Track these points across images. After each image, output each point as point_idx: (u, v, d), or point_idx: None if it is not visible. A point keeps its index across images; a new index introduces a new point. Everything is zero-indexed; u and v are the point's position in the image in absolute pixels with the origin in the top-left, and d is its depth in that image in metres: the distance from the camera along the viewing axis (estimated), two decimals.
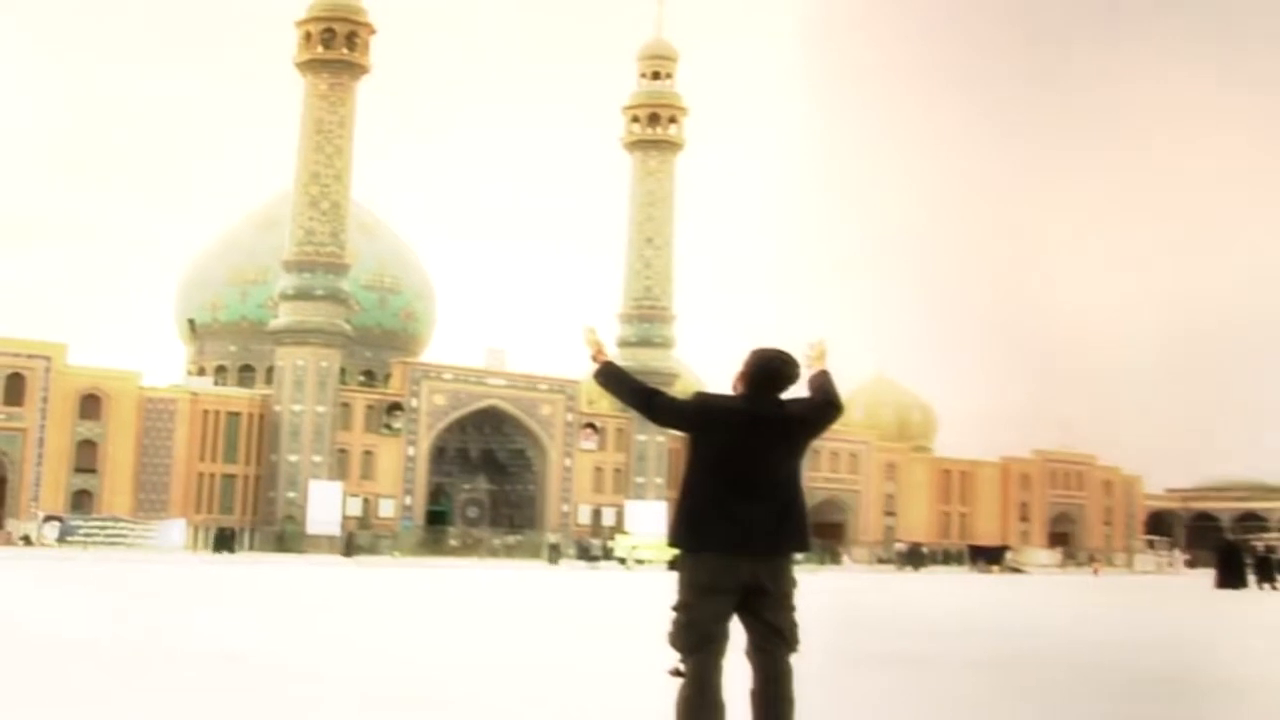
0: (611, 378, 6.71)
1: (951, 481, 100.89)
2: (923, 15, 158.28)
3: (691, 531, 6.29)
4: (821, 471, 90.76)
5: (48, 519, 63.43)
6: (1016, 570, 77.13)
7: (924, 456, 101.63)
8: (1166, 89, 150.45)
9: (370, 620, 18.54)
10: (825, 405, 6.58)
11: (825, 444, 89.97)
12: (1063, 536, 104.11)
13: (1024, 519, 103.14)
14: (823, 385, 6.62)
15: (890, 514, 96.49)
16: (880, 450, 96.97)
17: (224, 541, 64.47)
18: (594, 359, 6.78)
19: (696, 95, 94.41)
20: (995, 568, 77.24)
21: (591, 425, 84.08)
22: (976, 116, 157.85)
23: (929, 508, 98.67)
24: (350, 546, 65.40)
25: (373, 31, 77.92)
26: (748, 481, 6.25)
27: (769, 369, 6.41)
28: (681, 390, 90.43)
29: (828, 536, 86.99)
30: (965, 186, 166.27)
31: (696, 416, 6.42)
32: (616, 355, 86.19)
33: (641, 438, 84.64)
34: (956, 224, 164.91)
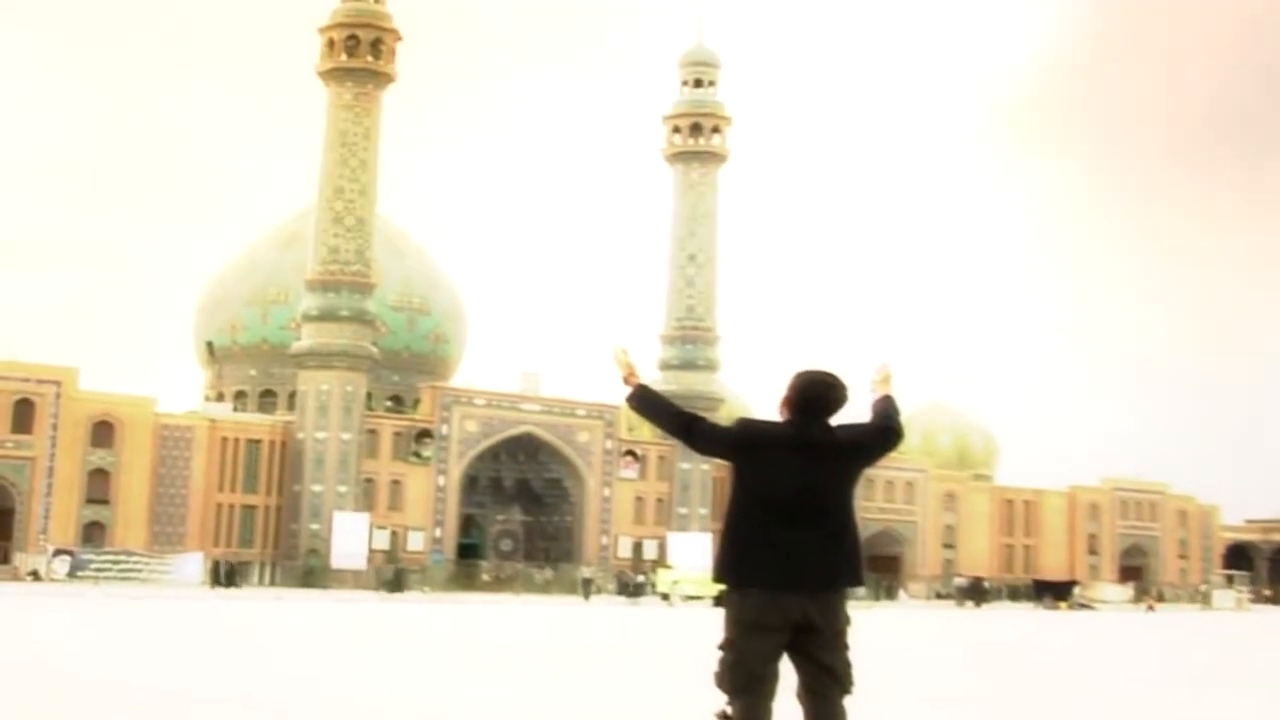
0: (646, 402, 6.64)
1: (1015, 512, 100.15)
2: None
3: (736, 565, 6.21)
4: (876, 501, 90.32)
5: (57, 553, 63.72)
6: (1085, 607, 76.43)
7: (985, 485, 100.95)
8: None
9: (405, 661, 18.50)
10: (883, 431, 6.51)
11: (880, 472, 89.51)
12: (1135, 570, 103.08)
13: (1093, 552, 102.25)
14: (884, 410, 6.56)
15: (949, 546, 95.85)
16: (938, 479, 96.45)
17: (228, 577, 64.23)
18: (626, 381, 6.70)
19: (740, 104, 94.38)
20: (1062, 604, 76.56)
21: (632, 453, 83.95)
22: (1020, 132, 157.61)
23: (991, 540, 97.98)
24: (394, 582, 65.38)
25: (398, 38, 78.33)
26: (795, 512, 6.18)
27: (814, 393, 6.33)
28: (726, 417, 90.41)
29: (883, 570, 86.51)
30: (1026, 199, 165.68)
31: (739, 444, 6.35)
32: (658, 379, 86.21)
33: (685, 466, 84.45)
34: (1017, 240, 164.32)
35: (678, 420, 6.54)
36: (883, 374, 6.69)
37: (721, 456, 6.50)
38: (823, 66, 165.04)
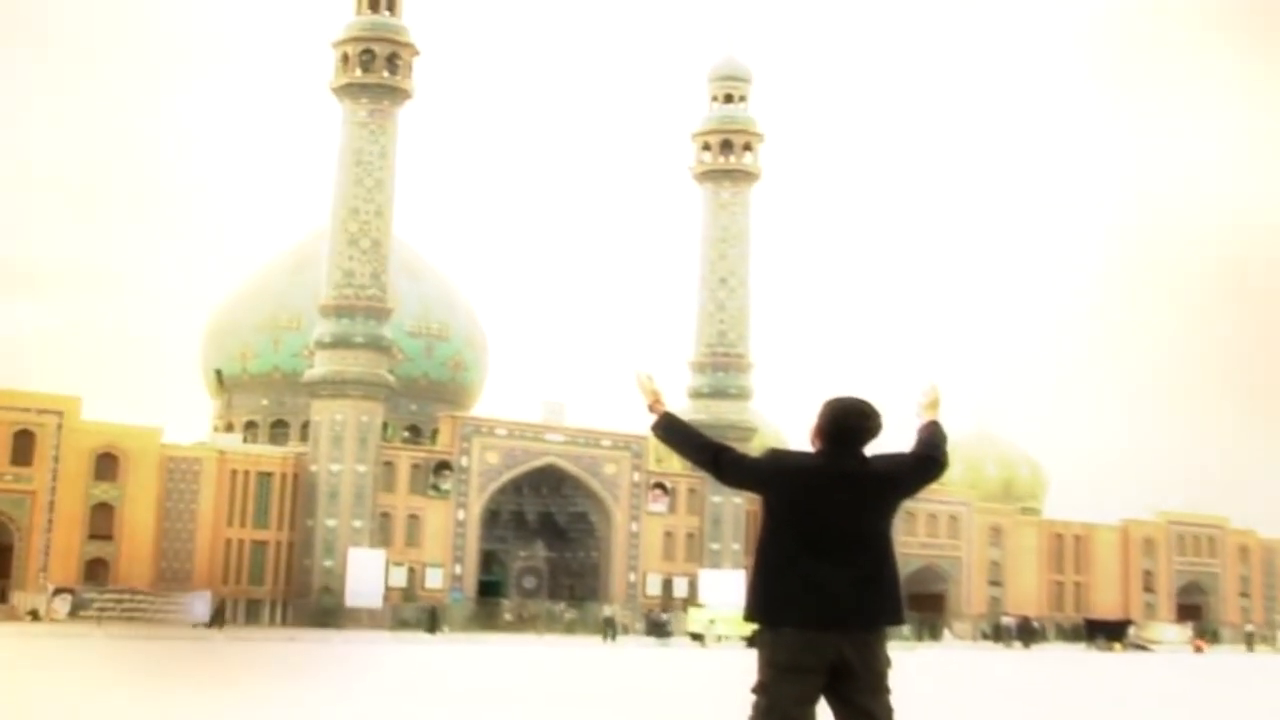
0: (672, 431, 6.60)
1: (1065, 547, 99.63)
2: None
3: (769, 604, 6.17)
4: (918, 536, 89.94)
5: (58, 591, 63.81)
6: (1141, 648, 75.89)
7: (1033, 519, 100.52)
8: None
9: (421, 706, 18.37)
10: (924, 461, 6.46)
11: (921, 505, 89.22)
12: (1193, 609, 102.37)
13: (1148, 589, 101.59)
14: (929, 439, 6.51)
15: (996, 583, 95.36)
16: (983, 512, 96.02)
17: (215, 615, 63.69)
18: (650, 409, 6.67)
19: (773, 119, 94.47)
20: (1116, 645, 76.07)
21: (661, 486, 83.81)
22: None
23: (1039, 576, 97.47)
24: (431, 621, 65.28)
25: (416, 53, 78.65)
26: (830, 547, 6.15)
27: (847, 422, 6.32)
28: (759, 448, 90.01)
29: (926, 609, 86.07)
30: (1077, 221, 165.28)
31: (769, 475, 6.34)
32: (687, 408, 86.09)
33: (717, 499, 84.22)
34: (1064, 259, 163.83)
35: (705, 450, 6.51)
36: (931, 397, 6.63)
37: (751, 489, 6.47)
38: (860, 80, 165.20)
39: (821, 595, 6.08)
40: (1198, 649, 75.14)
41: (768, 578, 6.21)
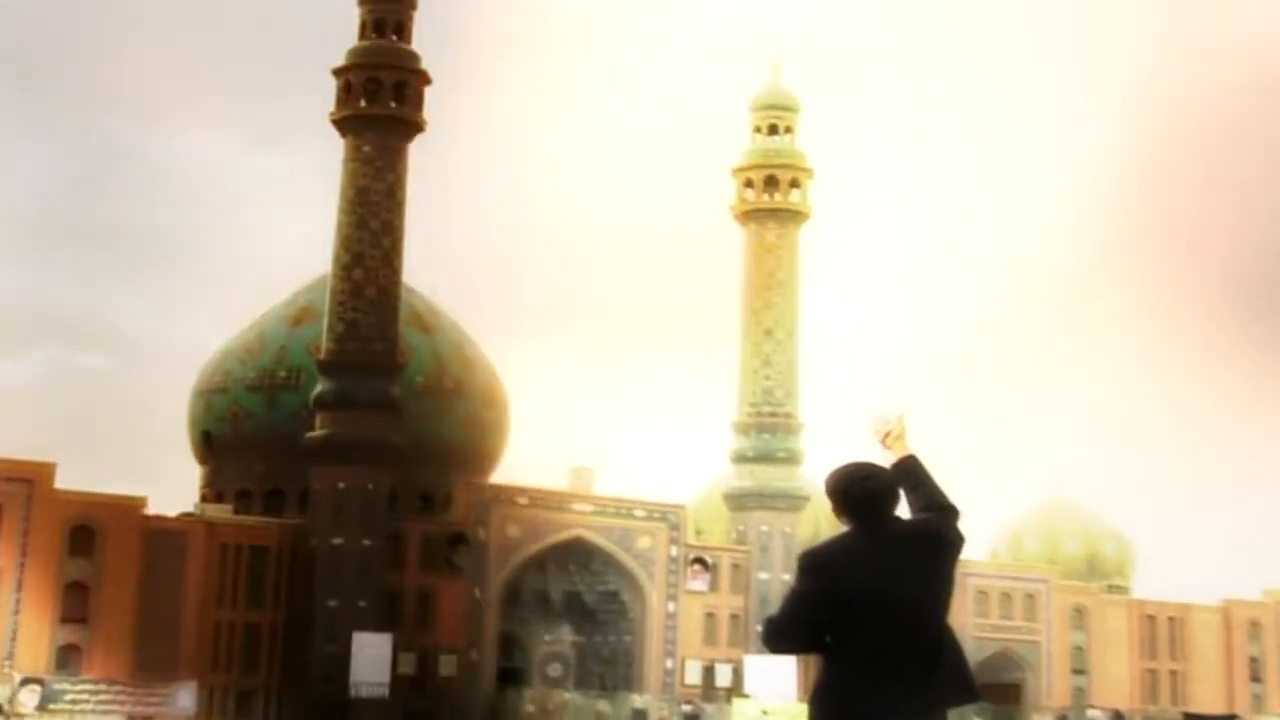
0: (908, 476, 6.51)
1: (1158, 630, 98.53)
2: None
3: (832, 706, 6.21)
4: (989, 618, 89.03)
5: (25, 681, 63.30)
6: None
7: (1120, 599, 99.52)
8: None
9: None
10: (946, 510, 6.39)
11: (993, 582, 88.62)
12: None
13: (1255, 679, 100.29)
14: (923, 482, 6.43)
15: (1080, 672, 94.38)
16: (1063, 591, 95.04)
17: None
18: (886, 446, 6.56)
19: (824, 152, 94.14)
20: None
21: (701, 561, 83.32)
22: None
23: (1130, 664, 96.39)
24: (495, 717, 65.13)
25: (427, 81, 78.78)
26: (893, 626, 6.12)
27: (862, 489, 6.35)
28: (810, 518, 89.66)
29: (1001, 699, 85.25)
30: (1171, 271, 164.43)
31: (828, 584, 6.23)
32: (730, 474, 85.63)
33: (763, 576, 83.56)
34: (1148, 311, 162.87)
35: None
36: (896, 427, 6.53)
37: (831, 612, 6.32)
38: (921, 108, 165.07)
39: (888, 688, 6.10)
40: None
41: (834, 671, 6.26)
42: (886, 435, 6.53)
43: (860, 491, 6.29)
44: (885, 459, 6.51)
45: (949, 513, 6.37)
